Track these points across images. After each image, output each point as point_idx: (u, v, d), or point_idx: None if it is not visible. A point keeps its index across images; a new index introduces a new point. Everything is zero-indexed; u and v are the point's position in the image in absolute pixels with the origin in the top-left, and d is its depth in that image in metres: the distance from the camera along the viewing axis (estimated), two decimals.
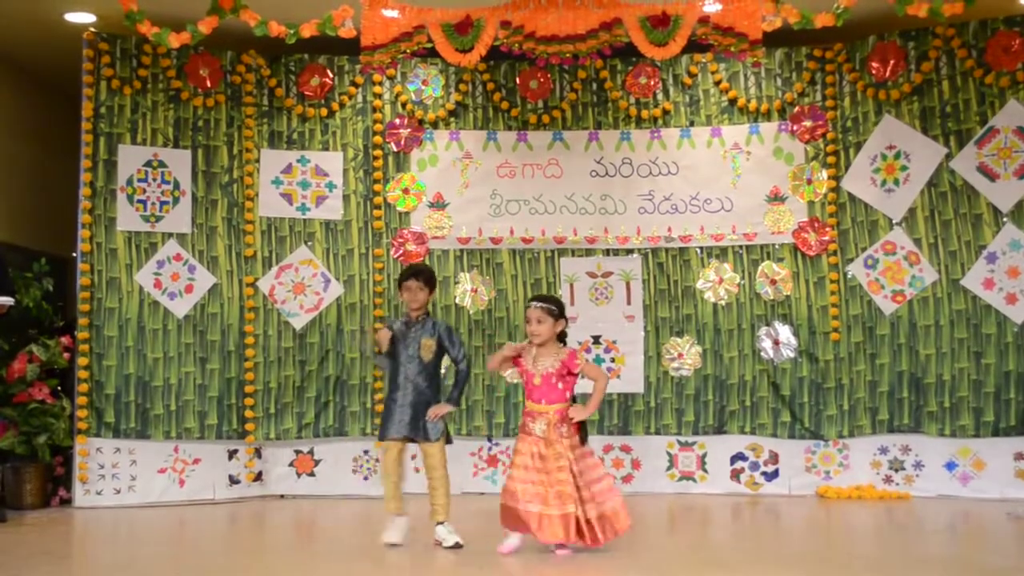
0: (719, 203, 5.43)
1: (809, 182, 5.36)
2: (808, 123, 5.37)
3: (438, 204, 5.47)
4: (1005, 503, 4.70)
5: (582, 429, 3.65)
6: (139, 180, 5.12)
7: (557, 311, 3.70)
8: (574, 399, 3.70)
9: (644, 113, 5.50)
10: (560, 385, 3.63)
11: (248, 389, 5.19)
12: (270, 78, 5.37)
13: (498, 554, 3.56)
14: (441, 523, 3.75)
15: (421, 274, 3.92)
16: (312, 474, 5.28)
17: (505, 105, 5.52)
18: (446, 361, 3.94)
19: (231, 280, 5.25)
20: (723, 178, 5.43)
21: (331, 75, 5.43)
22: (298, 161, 5.39)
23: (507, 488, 3.59)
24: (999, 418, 4.96)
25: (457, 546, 3.68)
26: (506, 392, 5.39)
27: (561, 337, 3.74)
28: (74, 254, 5.10)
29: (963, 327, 5.06)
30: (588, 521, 3.48)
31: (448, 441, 3.83)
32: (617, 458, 5.32)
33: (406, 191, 5.46)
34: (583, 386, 3.80)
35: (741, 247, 5.40)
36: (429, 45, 4.25)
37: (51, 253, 5.54)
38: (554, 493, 3.49)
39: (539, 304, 3.69)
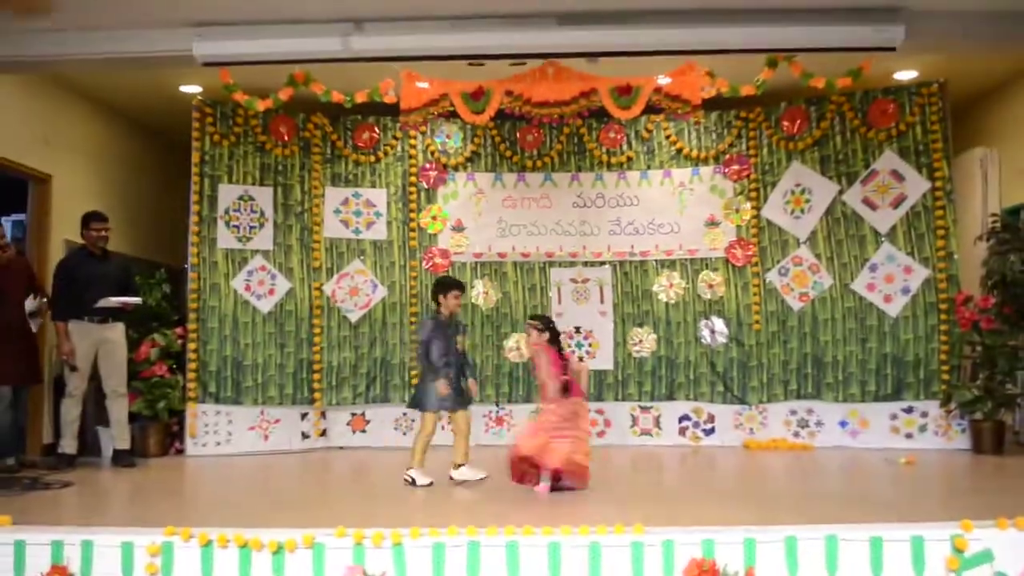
0: (669, 227, 5.48)
1: (737, 211, 5.41)
2: (736, 167, 5.43)
3: (458, 228, 5.52)
4: (883, 451, 4.73)
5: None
6: (234, 210, 5.17)
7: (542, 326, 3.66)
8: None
9: (613, 159, 5.55)
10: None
11: (315, 367, 5.22)
12: (332, 133, 5.45)
13: (527, 491, 3.50)
14: (463, 465, 3.80)
15: (463, 288, 3.98)
16: (364, 431, 5.31)
17: (508, 153, 5.58)
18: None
19: (303, 285, 5.29)
20: (672, 208, 5.48)
21: (378, 131, 5.49)
22: (353, 196, 5.44)
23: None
24: (879, 388, 5.00)
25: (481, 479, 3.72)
26: (509, 369, 5.47)
27: (555, 338, 3.67)
28: (185, 265, 5.17)
29: (852, 320, 5.09)
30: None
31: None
32: (593, 419, 5.32)
33: (434, 218, 5.50)
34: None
35: (686, 260, 5.45)
36: (451, 108, 4.28)
37: (168, 264, 5.59)
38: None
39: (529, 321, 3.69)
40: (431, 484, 3.74)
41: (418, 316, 5.42)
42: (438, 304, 3.91)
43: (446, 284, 3.98)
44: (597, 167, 5.58)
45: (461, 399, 3.83)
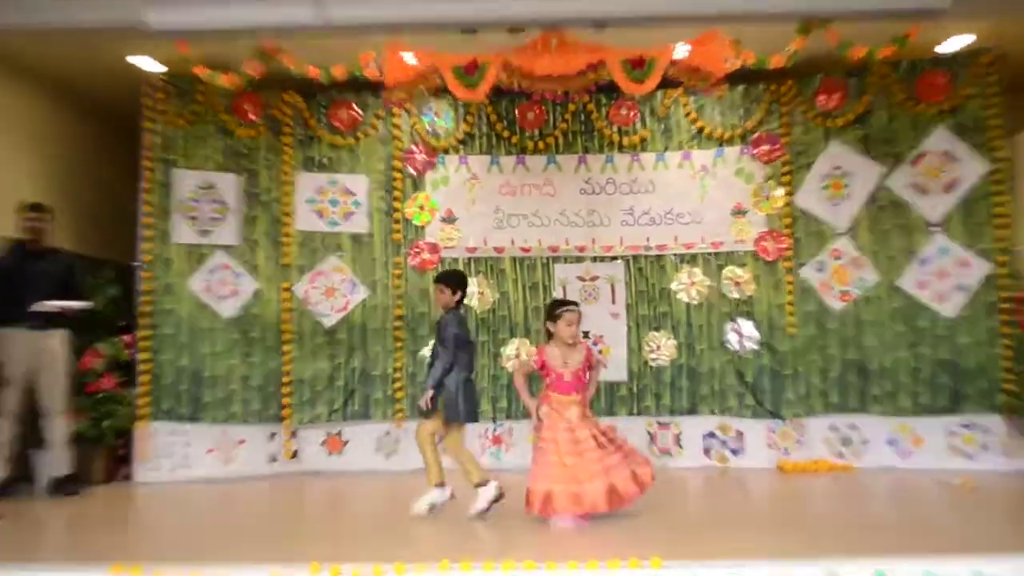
0: (690, 216, 5.45)
1: (767, 198, 5.41)
2: (766, 148, 5.42)
3: (449, 219, 5.50)
4: (939, 473, 4.68)
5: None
6: (192, 200, 5.14)
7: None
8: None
9: (625, 140, 5.53)
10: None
11: (285, 379, 5.20)
12: (305, 112, 5.39)
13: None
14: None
15: (442, 281, 3.94)
16: (341, 453, 5.28)
17: (506, 134, 5.56)
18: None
19: (271, 285, 5.27)
20: (693, 195, 5.46)
21: (358, 109, 5.45)
22: (329, 183, 5.42)
23: (551, 475, 3.44)
24: (933, 400, 4.97)
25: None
26: (508, 381, 5.44)
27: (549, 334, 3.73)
28: (136, 263, 5.11)
29: (900, 322, 5.07)
30: (614, 487, 3.49)
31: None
32: None
33: (421, 208, 5.49)
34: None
35: (709, 254, 5.43)
36: (441, 84, 4.26)
37: (116, 262, 5.54)
38: (594, 470, 3.46)
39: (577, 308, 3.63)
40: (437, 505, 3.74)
41: (404, 320, 5.40)
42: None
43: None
44: (607, 149, 5.57)
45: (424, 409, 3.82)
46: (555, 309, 3.72)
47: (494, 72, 4.19)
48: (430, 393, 3.72)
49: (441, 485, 3.75)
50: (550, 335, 3.76)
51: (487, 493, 3.69)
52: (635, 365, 5.40)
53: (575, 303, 3.76)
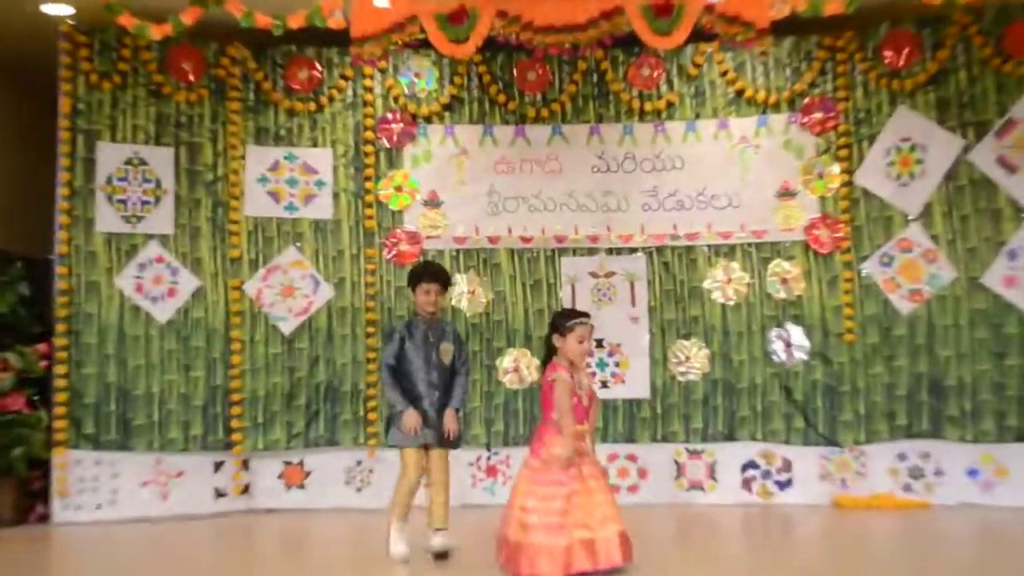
0: (727, 199, 5.44)
1: (821, 176, 5.38)
2: (819, 115, 5.39)
3: (432, 202, 5.48)
4: None
5: None
6: (119, 179, 5.13)
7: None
8: None
9: (647, 106, 5.51)
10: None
11: (234, 398, 5.18)
12: (256, 71, 5.38)
13: None
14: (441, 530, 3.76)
15: (436, 278, 3.91)
16: (302, 486, 5.26)
17: (502, 98, 5.53)
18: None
19: (216, 283, 5.25)
20: (731, 173, 5.44)
21: (320, 68, 5.44)
22: (285, 158, 5.40)
23: (579, 522, 3.34)
24: (1022, 423, 4.94)
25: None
26: (505, 399, 5.41)
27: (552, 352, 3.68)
28: (51, 257, 5.08)
29: (984, 327, 5.05)
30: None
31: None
32: (623, 467, 5.31)
33: (399, 189, 5.47)
34: None
35: (750, 245, 5.41)
36: (422, 36, 4.27)
37: (26, 255, 5.52)
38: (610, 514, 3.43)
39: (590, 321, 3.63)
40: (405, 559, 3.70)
41: (378, 324, 5.38)
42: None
43: (412, 274, 4.02)
44: (626, 116, 5.54)
45: (438, 434, 3.80)
46: (565, 321, 3.64)
47: (487, 21, 4.20)
48: (455, 416, 3.79)
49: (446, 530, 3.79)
50: (553, 351, 3.67)
51: (451, 541, 3.72)
52: (660, 380, 5.37)
53: (587, 315, 3.70)
